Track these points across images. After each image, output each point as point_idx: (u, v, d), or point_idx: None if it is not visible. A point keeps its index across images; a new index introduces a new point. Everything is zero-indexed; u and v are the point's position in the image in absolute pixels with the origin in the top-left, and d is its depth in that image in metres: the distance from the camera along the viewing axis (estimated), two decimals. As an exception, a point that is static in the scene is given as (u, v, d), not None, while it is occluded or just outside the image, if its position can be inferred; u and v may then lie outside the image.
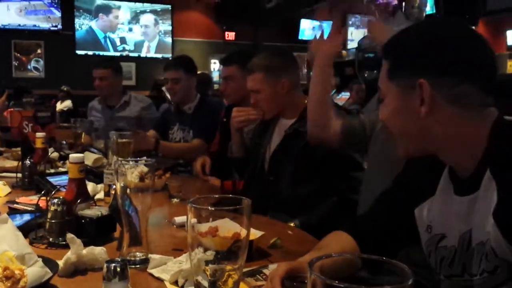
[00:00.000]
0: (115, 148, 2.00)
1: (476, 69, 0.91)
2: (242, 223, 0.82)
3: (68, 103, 7.71)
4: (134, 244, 1.16)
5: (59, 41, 9.01)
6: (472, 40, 0.93)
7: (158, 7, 9.80)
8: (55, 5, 9.00)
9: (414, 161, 1.10)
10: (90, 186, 1.76)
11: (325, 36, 1.75)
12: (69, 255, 1.10)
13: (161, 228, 1.52)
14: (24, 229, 1.23)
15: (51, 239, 1.30)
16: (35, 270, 0.97)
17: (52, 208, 1.31)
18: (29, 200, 1.68)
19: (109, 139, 2.03)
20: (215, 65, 9.61)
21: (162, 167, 2.21)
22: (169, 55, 9.52)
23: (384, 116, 1.00)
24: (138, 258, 1.16)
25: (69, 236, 1.12)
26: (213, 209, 0.83)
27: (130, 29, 9.67)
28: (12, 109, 3.84)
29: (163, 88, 5.01)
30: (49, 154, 2.30)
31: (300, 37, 10.31)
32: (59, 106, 7.67)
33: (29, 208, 1.55)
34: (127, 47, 9.64)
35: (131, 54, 9.55)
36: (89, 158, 2.31)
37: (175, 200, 1.88)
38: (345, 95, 6.98)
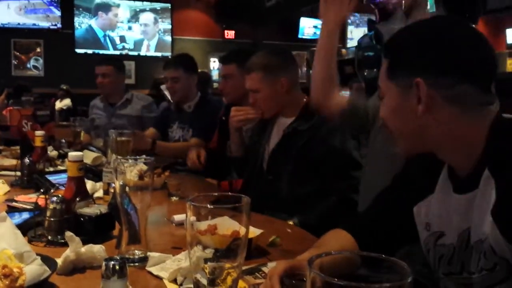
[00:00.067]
0: (114, 146, 2.00)
1: (474, 68, 0.90)
2: (241, 221, 0.82)
3: (67, 102, 7.71)
4: (133, 242, 1.16)
5: (58, 39, 9.00)
6: (472, 39, 0.93)
7: (157, 5, 9.79)
8: (55, 4, 9.00)
9: (413, 160, 1.10)
10: (89, 184, 1.76)
11: None
12: (68, 253, 1.09)
13: (160, 226, 1.52)
14: (23, 227, 1.23)
15: (50, 237, 1.30)
16: (33, 268, 0.97)
17: (51, 206, 1.31)
18: (28, 198, 1.68)
19: (109, 137, 2.03)
20: (214, 64, 9.61)
21: (161, 165, 2.21)
22: (168, 54, 9.51)
23: (384, 114, 1.01)
24: (137, 256, 1.16)
25: (68, 234, 1.12)
26: (212, 207, 0.83)
27: (130, 28, 9.67)
28: (11, 108, 3.85)
29: (162, 87, 5.01)
30: (48, 152, 2.30)
31: (299, 36, 10.31)
32: (59, 104, 7.68)
33: (28, 207, 1.55)
34: (126, 46, 9.64)
35: (131, 53, 9.55)
36: (88, 156, 2.31)
37: (174, 198, 1.88)
38: (344, 94, 6.98)
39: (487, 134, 0.89)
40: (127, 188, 1.13)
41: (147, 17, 9.75)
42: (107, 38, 9.52)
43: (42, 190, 1.47)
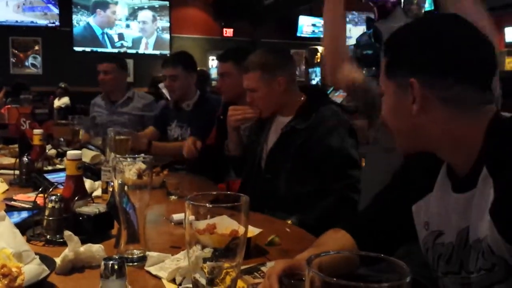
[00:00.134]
0: (112, 145, 2.00)
1: (473, 68, 0.90)
2: (240, 220, 0.82)
3: (66, 100, 7.71)
4: (132, 242, 1.16)
5: (56, 37, 9.00)
6: (471, 38, 0.92)
7: (156, 3, 9.78)
8: (53, 2, 8.98)
9: (412, 159, 1.10)
10: (87, 183, 1.76)
11: None
12: (67, 252, 1.09)
13: (159, 226, 1.52)
14: (22, 227, 1.23)
15: (48, 236, 1.30)
16: (32, 268, 0.97)
17: (50, 205, 1.31)
18: (27, 197, 1.68)
19: (107, 135, 2.03)
20: (213, 62, 9.60)
21: (160, 164, 2.21)
22: (167, 52, 9.51)
23: (383, 112, 1.01)
24: (135, 256, 1.16)
25: (67, 233, 1.12)
26: (211, 206, 0.82)
27: (128, 26, 9.66)
28: (9, 106, 3.84)
29: (160, 85, 5.00)
30: (47, 151, 2.29)
31: (298, 34, 10.31)
32: (57, 103, 7.67)
33: (27, 206, 1.55)
34: (125, 44, 9.62)
35: (129, 51, 9.54)
36: (87, 155, 2.31)
37: (173, 197, 1.88)
38: (343, 93, 6.97)
39: (485, 133, 0.89)
40: (125, 187, 1.13)
41: (145, 15, 9.74)
42: (105, 35, 9.51)
43: (40, 189, 1.47)
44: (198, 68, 3.36)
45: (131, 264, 1.12)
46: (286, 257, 1.01)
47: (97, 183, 1.91)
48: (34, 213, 1.40)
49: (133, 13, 9.70)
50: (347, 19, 10.36)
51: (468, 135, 0.90)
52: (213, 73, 8.65)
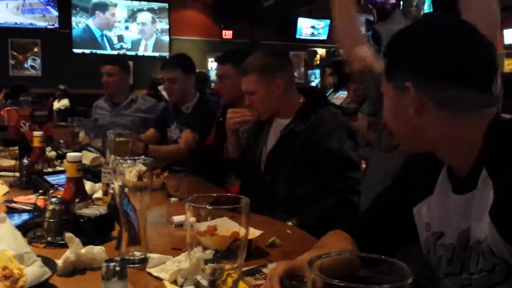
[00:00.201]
0: (112, 147, 2.00)
1: (468, 72, 0.89)
2: (240, 222, 0.82)
3: (65, 102, 7.70)
4: (133, 243, 1.16)
5: (56, 39, 9.00)
6: (468, 41, 0.92)
7: (155, 5, 9.79)
8: (52, 4, 8.98)
9: (413, 160, 1.10)
10: (88, 185, 1.76)
11: None
12: (68, 254, 1.09)
13: (160, 227, 1.52)
14: (23, 229, 1.23)
15: (49, 238, 1.30)
16: (34, 270, 0.97)
17: (50, 207, 1.31)
18: (27, 199, 1.68)
19: (107, 138, 2.03)
20: (212, 64, 9.61)
21: (160, 166, 2.21)
22: (166, 54, 9.51)
23: (384, 114, 1.02)
24: (137, 258, 1.16)
25: (68, 235, 1.12)
26: (211, 208, 0.83)
27: (127, 28, 9.66)
28: (9, 108, 3.84)
29: (160, 87, 5.00)
30: (47, 153, 2.30)
31: (297, 36, 10.33)
32: (56, 105, 7.67)
33: (27, 208, 1.55)
34: (124, 46, 9.63)
35: (128, 53, 9.55)
36: (87, 157, 2.31)
37: (173, 199, 1.88)
38: (342, 94, 6.98)
39: (484, 135, 0.89)
40: (126, 189, 1.13)
41: (144, 17, 9.75)
42: (105, 37, 9.51)
43: (41, 191, 1.47)
44: (198, 70, 3.36)
45: (132, 265, 1.12)
46: (287, 259, 1.01)
47: (98, 185, 1.91)
48: (34, 215, 1.40)
49: (132, 15, 9.71)
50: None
51: (466, 137, 0.90)
52: (213, 75, 8.63)
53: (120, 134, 2.05)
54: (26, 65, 9.03)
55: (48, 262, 1.03)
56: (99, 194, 1.84)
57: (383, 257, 0.57)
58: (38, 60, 9.08)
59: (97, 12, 9.42)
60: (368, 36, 1.73)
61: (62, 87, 7.86)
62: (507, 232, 0.81)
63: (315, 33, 10.52)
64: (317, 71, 8.59)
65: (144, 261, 1.15)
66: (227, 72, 2.47)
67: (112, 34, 9.57)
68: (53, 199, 1.31)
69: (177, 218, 1.53)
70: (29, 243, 1.25)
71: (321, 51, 8.87)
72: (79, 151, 2.18)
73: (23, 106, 4.07)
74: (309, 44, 9.98)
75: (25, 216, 1.44)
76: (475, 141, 0.89)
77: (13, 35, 8.88)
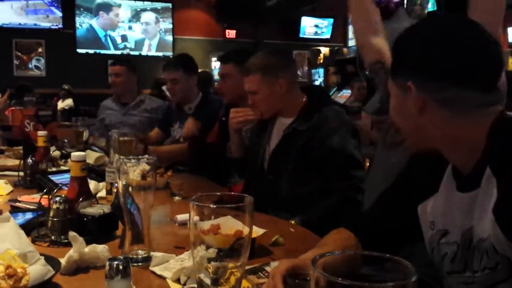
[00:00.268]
0: (116, 146, 2.01)
1: (470, 72, 0.89)
2: (244, 220, 0.82)
3: (69, 102, 7.72)
4: (136, 242, 1.16)
5: (60, 39, 9.02)
6: (472, 40, 0.91)
7: (158, 5, 9.80)
8: (56, 4, 9.01)
9: (417, 159, 1.10)
10: (92, 184, 1.76)
11: None
12: (71, 253, 1.10)
13: (163, 226, 1.52)
14: (26, 228, 1.23)
15: (53, 237, 1.30)
16: (37, 268, 0.97)
17: (54, 206, 1.31)
18: (31, 198, 1.69)
19: (111, 137, 2.04)
20: (216, 63, 9.61)
21: (164, 165, 2.21)
22: (170, 54, 9.52)
23: (390, 111, 1.02)
24: (140, 256, 1.16)
25: (71, 234, 1.13)
26: (215, 206, 0.83)
27: (131, 27, 9.68)
28: (13, 108, 3.86)
29: (164, 88, 5.01)
30: (51, 152, 2.30)
31: (301, 35, 10.32)
32: (61, 104, 7.69)
33: (31, 207, 1.56)
34: (128, 45, 9.64)
35: (132, 53, 9.56)
36: (91, 156, 2.32)
37: (177, 198, 1.88)
38: (346, 93, 6.98)
39: (487, 133, 0.89)
40: (130, 188, 1.13)
41: (148, 17, 9.76)
42: (108, 37, 9.53)
43: (45, 190, 1.47)
44: (201, 70, 3.37)
45: (135, 264, 1.13)
46: (290, 257, 1.01)
47: (102, 184, 1.92)
48: (38, 214, 1.40)
49: (136, 15, 9.72)
50: (349, 21, 10.36)
51: (469, 136, 0.90)
52: (216, 74, 8.66)
53: (124, 134, 2.05)
54: (30, 66, 9.06)
55: (51, 260, 1.03)
56: (103, 193, 1.84)
57: (387, 255, 0.57)
58: (42, 60, 9.11)
59: (101, 12, 9.45)
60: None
61: (66, 87, 7.88)
62: (510, 230, 0.81)
63: (319, 32, 10.51)
64: (321, 70, 8.58)
65: (147, 259, 1.15)
66: (229, 71, 2.46)
67: (116, 34, 9.59)
68: (57, 198, 1.32)
69: (180, 217, 1.53)
70: (33, 242, 1.25)
71: (324, 50, 8.86)
72: (83, 150, 2.19)
73: (27, 106, 4.09)
74: (312, 43, 9.97)
75: (29, 215, 1.45)
76: (478, 140, 0.89)
77: (17, 36, 8.91)
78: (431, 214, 1.01)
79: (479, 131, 0.89)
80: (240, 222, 0.82)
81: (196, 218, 0.81)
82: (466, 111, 0.90)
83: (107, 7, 9.50)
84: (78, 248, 1.10)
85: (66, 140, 2.83)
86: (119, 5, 9.58)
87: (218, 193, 0.92)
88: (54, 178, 1.94)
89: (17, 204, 1.63)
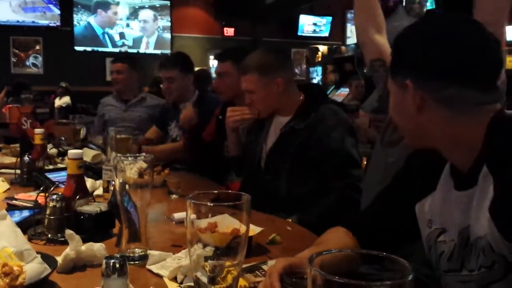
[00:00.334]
0: (113, 144, 2.00)
1: (468, 72, 0.89)
2: (241, 219, 0.82)
3: (66, 100, 7.71)
4: (133, 240, 1.16)
5: (57, 37, 9.00)
6: (472, 39, 0.91)
7: (157, 2, 9.78)
8: (53, 2, 8.98)
9: (415, 157, 1.10)
10: (89, 182, 1.76)
11: None
12: (68, 251, 1.09)
13: (160, 224, 1.52)
14: (23, 225, 1.23)
15: (50, 235, 1.30)
16: (34, 267, 0.97)
17: (51, 204, 1.31)
18: (28, 196, 1.68)
19: (108, 135, 2.03)
20: (214, 61, 9.59)
21: (161, 163, 2.21)
22: (168, 51, 9.51)
23: (389, 109, 1.02)
24: (137, 254, 1.16)
25: (68, 232, 1.12)
26: (212, 205, 0.82)
27: (129, 25, 9.66)
28: (10, 105, 3.84)
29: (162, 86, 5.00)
30: (48, 150, 2.30)
31: (299, 33, 10.31)
32: (58, 102, 7.67)
33: (28, 205, 1.55)
34: (126, 43, 9.62)
35: (130, 50, 9.54)
36: (88, 154, 2.31)
37: (174, 196, 1.88)
38: (344, 91, 6.98)
39: (485, 132, 0.89)
40: (127, 186, 1.13)
41: (146, 14, 9.74)
42: (106, 35, 9.51)
43: (42, 188, 1.47)
44: (199, 68, 3.36)
45: (132, 262, 1.12)
46: (287, 256, 1.01)
47: (98, 182, 1.91)
48: (35, 212, 1.40)
49: (134, 13, 9.70)
50: (348, 18, 10.37)
51: (467, 135, 0.90)
52: (214, 72, 8.65)
53: (120, 131, 2.05)
54: (27, 63, 9.03)
55: (48, 259, 1.03)
56: (99, 191, 1.84)
57: (384, 253, 0.57)
58: (40, 58, 9.09)
59: (98, 10, 9.42)
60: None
61: (64, 85, 7.86)
62: (506, 229, 0.81)
63: (317, 30, 10.50)
64: (319, 68, 8.58)
65: (144, 258, 1.15)
66: (227, 69, 2.46)
67: (114, 32, 9.57)
68: (54, 196, 1.31)
69: (177, 215, 1.53)
70: (30, 240, 1.25)
71: (322, 48, 8.85)
72: (81, 148, 2.18)
73: (24, 104, 4.07)
74: (311, 41, 9.96)
75: (25, 213, 1.44)
76: (476, 138, 0.89)
77: (14, 33, 8.89)
78: (429, 213, 1.01)
79: (478, 130, 0.89)
80: (237, 220, 0.82)
81: (193, 216, 0.81)
82: (465, 110, 0.90)
83: (105, 5, 9.47)
84: (75, 246, 1.10)
85: (63, 138, 2.82)
86: (117, 3, 9.55)
87: (215, 191, 0.92)
88: (51, 176, 1.93)
89: (14, 202, 1.63)
